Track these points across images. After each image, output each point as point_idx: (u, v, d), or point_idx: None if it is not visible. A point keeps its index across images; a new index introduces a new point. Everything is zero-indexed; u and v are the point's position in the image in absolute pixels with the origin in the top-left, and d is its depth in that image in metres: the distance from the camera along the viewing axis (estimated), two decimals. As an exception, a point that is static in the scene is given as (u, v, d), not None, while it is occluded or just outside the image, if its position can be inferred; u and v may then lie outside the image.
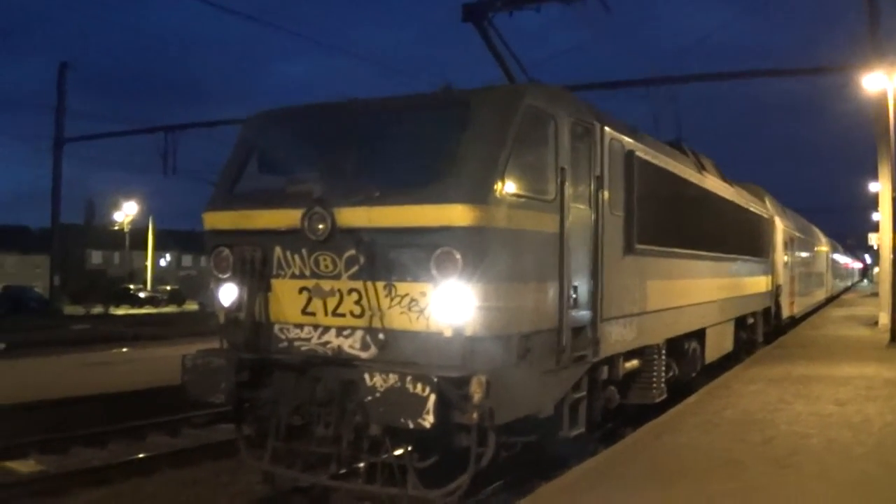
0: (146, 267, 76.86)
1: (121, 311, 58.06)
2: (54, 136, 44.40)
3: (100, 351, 22.33)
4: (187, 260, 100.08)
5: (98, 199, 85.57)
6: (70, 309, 52.03)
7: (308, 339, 7.87)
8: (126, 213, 73.21)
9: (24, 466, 10.95)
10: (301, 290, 7.86)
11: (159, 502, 9.54)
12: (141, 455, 11.47)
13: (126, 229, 74.39)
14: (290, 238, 7.81)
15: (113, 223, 75.91)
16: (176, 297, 73.60)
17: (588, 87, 27.02)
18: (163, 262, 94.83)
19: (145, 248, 75.09)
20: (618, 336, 9.49)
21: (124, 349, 23.15)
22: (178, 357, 8.36)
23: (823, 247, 43.12)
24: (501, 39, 10.47)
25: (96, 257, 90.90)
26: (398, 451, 7.49)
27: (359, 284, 7.48)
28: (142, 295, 71.03)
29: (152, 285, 76.18)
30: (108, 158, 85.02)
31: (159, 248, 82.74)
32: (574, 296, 8.27)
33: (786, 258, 24.42)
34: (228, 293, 8.23)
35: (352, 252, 7.45)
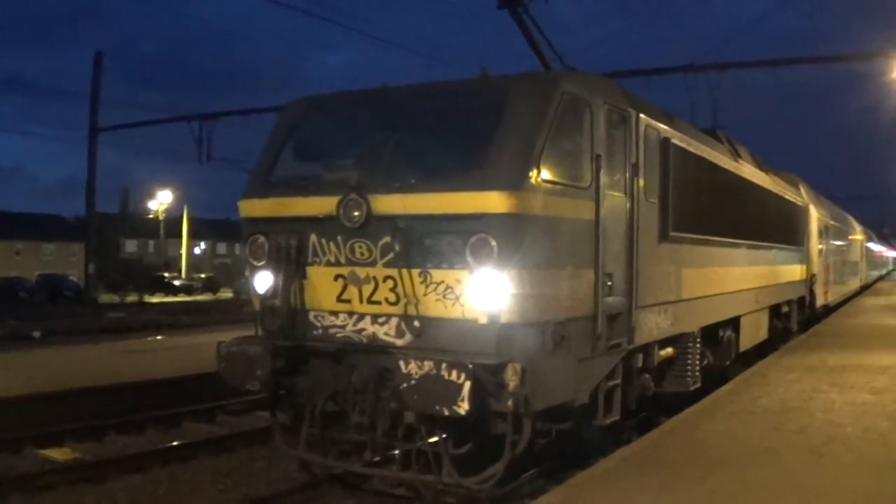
0: (181, 255, 77.45)
1: (156, 300, 58.59)
2: (89, 124, 44.54)
3: (135, 339, 22.51)
4: (222, 248, 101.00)
5: (133, 187, 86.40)
6: (105, 297, 52.55)
7: (343, 327, 7.90)
8: (161, 201, 73.67)
9: (60, 454, 11.01)
10: (336, 277, 7.87)
11: (196, 490, 9.62)
12: (177, 442, 11.56)
13: (161, 218, 74.92)
14: (325, 225, 7.82)
15: (148, 212, 76.53)
16: (211, 286, 74.35)
17: (625, 74, 26.77)
18: (197, 251, 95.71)
19: (180, 237, 75.61)
20: (653, 324, 9.44)
21: (159, 337, 23.33)
22: (213, 344, 8.42)
23: (858, 235, 42.69)
24: (537, 27, 10.40)
25: (131, 246, 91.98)
26: (433, 439, 7.51)
27: (394, 272, 7.49)
28: (177, 283, 71.71)
29: (187, 273, 76.79)
30: (143, 147, 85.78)
31: (194, 237, 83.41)
32: (609, 283, 8.22)
33: (820, 246, 24.25)
34: (264, 281, 8.24)
35: (387, 239, 7.45)
